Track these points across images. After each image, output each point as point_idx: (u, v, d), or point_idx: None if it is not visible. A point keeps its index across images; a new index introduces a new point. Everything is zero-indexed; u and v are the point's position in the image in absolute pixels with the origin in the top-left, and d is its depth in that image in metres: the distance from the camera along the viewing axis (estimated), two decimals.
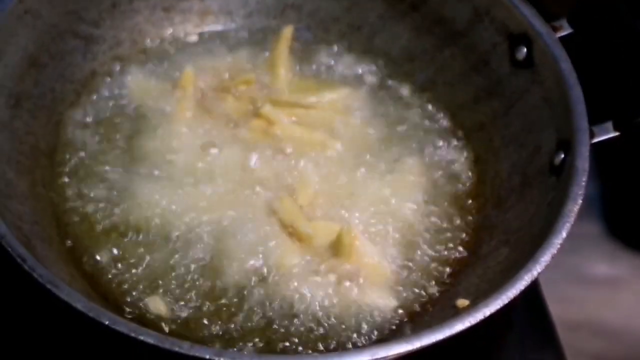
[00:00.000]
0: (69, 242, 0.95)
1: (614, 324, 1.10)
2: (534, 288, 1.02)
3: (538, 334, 1.01)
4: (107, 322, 0.77)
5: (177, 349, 0.76)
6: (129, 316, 0.89)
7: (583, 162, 0.92)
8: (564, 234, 0.87)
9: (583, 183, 0.90)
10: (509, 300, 0.83)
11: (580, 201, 0.90)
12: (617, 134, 0.95)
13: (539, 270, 0.85)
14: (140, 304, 0.91)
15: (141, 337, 0.77)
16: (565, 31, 1.02)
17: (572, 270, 1.11)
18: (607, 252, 1.15)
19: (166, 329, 0.89)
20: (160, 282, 0.92)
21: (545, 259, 0.86)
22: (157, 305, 0.90)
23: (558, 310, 1.02)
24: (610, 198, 1.19)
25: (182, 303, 0.91)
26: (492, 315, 0.83)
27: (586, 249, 1.14)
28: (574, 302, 1.09)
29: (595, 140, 0.94)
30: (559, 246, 0.87)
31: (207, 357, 0.76)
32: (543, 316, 1.02)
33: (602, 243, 1.16)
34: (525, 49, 1.02)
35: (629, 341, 1.10)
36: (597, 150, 0.93)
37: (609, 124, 0.96)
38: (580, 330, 1.06)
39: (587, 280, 1.12)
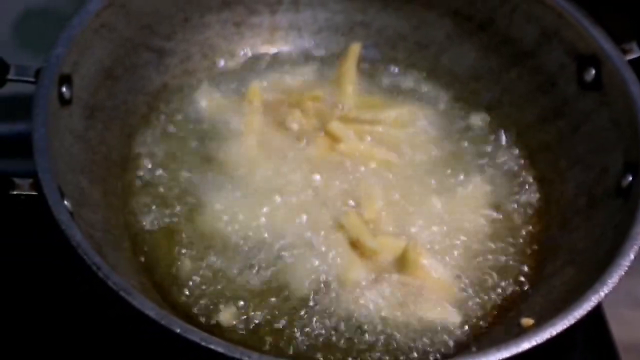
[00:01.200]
0: (141, 250, 0.96)
1: None
2: (596, 309, 1.02)
3: (601, 355, 1.01)
4: (178, 330, 0.78)
5: (246, 358, 0.77)
6: (198, 326, 0.90)
7: None
8: (631, 256, 0.87)
9: None
10: (576, 320, 0.84)
11: None
12: None
13: (606, 291, 0.85)
14: (210, 314, 0.92)
15: (212, 346, 0.78)
16: (635, 54, 1.02)
17: (631, 293, 1.10)
18: None
19: (234, 339, 0.90)
20: (229, 293, 0.93)
21: (612, 280, 0.86)
22: (226, 316, 0.91)
23: (618, 332, 1.02)
24: None
25: (252, 314, 0.92)
26: (557, 335, 0.83)
27: None
28: (634, 325, 1.08)
29: None
30: (626, 268, 0.87)
31: None
32: (606, 338, 1.02)
33: None
34: (593, 71, 1.03)
35: None
36: None
37: None
38: (637, 352, 1.05)
39: None
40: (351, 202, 1.01)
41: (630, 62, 1.01)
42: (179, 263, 0.95)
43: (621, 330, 1.02)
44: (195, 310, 0.92)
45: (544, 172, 1.06)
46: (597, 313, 1.02)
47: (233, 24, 1.13)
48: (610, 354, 1.01)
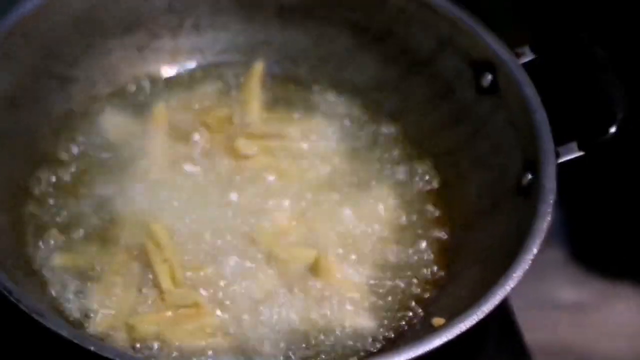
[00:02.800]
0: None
1: (582, 346, 1.11)
2: (506, 313, 1.05)
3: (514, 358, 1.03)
4: (92, 348, 0.79)
5: None
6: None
7: (550, 182, 0.95)
8: (534, 250, 0.90)
9: (551, 201, 0.94)
10: (484, 315, 0.86)
11: (549, 219, 0.93)
12: (581, 153, 0.98)
13: (512, 285, 0.88)
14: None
15: None
16: (528, 57, 1.05)
17: (540, 296, 1.13)
18: (573, 278, 1.16)
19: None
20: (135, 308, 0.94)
21: (517, 274, 0.88)
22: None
23: (529, 335, 1.04)
24: (575, 224, 1.21)
25: (168, 337, 0.93)
26: (467, 331, 0.85)
27: (553, 275, 1.16)
28: (544, 327, 1.10)
29: (561, 160, 0.97)
30: (530, 262, 0.90)
31: None
32: (517, 341, 1.05)
33: (568, 268, 1.17)
34: (489, 76, 1.05)
35: None
36: (560, 176, 0.96)
37: (574, 144, 0.99)
38: (548, 354, 1.08)
39: (555, 305, 1.14)
40: (261, 216, 1.02)
41: (524, 65, 1.04)
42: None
43: (530, 333, 1.05)
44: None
45: (447, 176, 1.08)
46: (507, 317, 1.05)
47: (136, 48, 1.13)
48: (523, 357, 1.03)
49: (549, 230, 0.92)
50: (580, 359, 1.10)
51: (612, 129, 0.97)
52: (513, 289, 0.89)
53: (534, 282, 1.04)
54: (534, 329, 1.05)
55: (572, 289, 1.14)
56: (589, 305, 1.13)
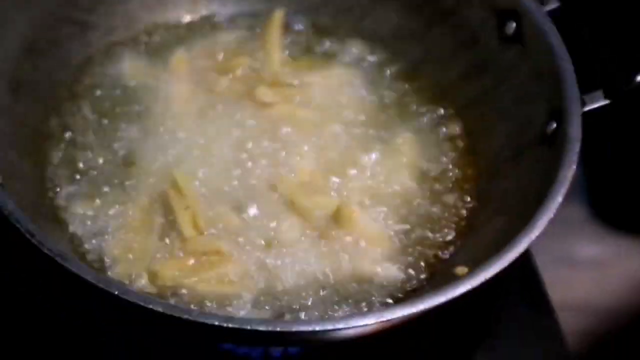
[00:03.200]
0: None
1: (601, 303, 1.11)
2: (532, 270, 1.05)
3: (538, 314, 1.03)
4: (116, 292, 0.78)
5: (186, 316, 0.78)
6: None
7: (576, 130, 0.93)
8: (559, 199, 0.89)
9: (576, 150, 0.92)
10: (509, 263, 0.85)
11: (574, 167, 0.91)
12: (607, 102, 0.97)
13: (537, 234, 0.87)
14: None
15: (151, 306, 0.78)
16: (553, 5, 1.04)
17: (561, 253, 1.13)
18: (594, 235, 1.16)
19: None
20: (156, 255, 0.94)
21: (542, 222, 0.87)
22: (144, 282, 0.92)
23: (554, 292, 1.04)
24: (595, 181, 1.20)
25: (193, 279, 0.93)
26: (492, 283, 0.84)
27: (573, 232, 1.16)
28: (564, 284, 1.10)
29: (587, 108, 0.96)
30: (555, 211, 0.88)
31: (217, 323, 0.77)
32: (542, 298, 1.04)
33: (589, 226, 1.17)
34: (514, 24, 1.04)
35: (616, 319, 1.11)
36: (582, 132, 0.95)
37: (600, 93, 0.97)
38: (570, 309, 1.08)
39: (576, 262, 1.13)
40: (283, 165, 1.01)
41: (549, 13, 1.02)
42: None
43: (551, 289, 1.04)
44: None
45: (470, 126, 1.07)
46: (532, 273, 1.05)
47: None
48: (547, 313, 1.03)
49: (571, 188, 0.91)
50: (600, 314, 1.10)
51: (638, 78, 0.95)
52: (537, 245, 0.88)
53: (555, 239, 1.05)
54: (555, 285, 1.05)
55: (592, 246, 1.14)
56: (609, 262, 1.13)
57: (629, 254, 1.15)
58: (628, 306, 1.11)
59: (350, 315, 0.88)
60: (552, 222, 0.88)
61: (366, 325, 0.80)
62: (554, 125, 0.96)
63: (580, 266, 1.13)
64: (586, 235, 1.15)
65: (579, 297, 1.10)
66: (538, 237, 0.87)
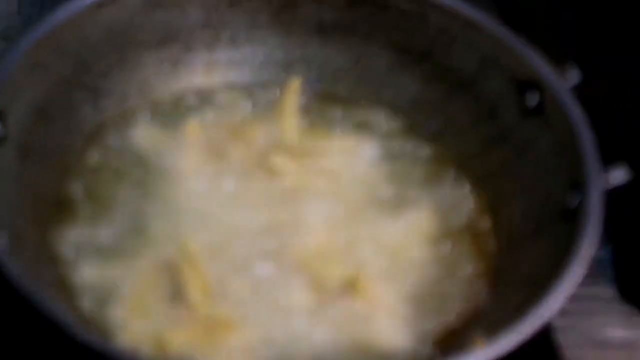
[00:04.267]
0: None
1: None
2: (556, 353, 1.03)
3: None
4: None
5: None
6: None
7: (597, 206, 0.92)
8: (577, 278, 0.87)
9: (597, 227, 0.91)
10: (524, 337, 0.84)
11: (594, 246, 0.89)
12: (630, 177, 0.95)
13: (555, 308, 0.86)
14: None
15: None
16: (575, 80, 1.03)
17: (587, 334, 1.10)
18: (620, 316, 1.14)
19: None
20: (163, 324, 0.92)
21: (561, 297, 0.86)
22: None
23: None
24: (622, 262, 1.18)
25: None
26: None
27: (599, 312, 1.13)
28: None
29: (609, 184, 0.94)
30: (573, 288, 0.87)
31: None
32: None
33: (615, 307, 1.15)
34: (534, 97, 1.03)
35: None
36: (608, 212, 0.93)
37: (622, 169, 0.96)
38: None
39: (603, 344, 1.11)
40: (296, 234, 1.00)
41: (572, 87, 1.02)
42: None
43: None
44: None
45: (489, 200, 1.06)
46: (556, 355, 1.03)
47: (170, 63, 1.12)
48: None
49: (598, 268, 0.89)
50: None
51: None
52: (562, 326, 0.88)
53: (583, 320, 1.03)
54: None
55: (620, 327, 1.12)
56: (637, 344, 1.11)
57: None
58: None
59: None
60: (576, 299, 0.88)
61: None
62: (575, 201, 0.94)
63: (608, 348, 1.10)
64: (613, 317, 1.13)
65: None
66: (563, 316, 0.87)
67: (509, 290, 0.96)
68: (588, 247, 0.89)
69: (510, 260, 0.99)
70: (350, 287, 0.95)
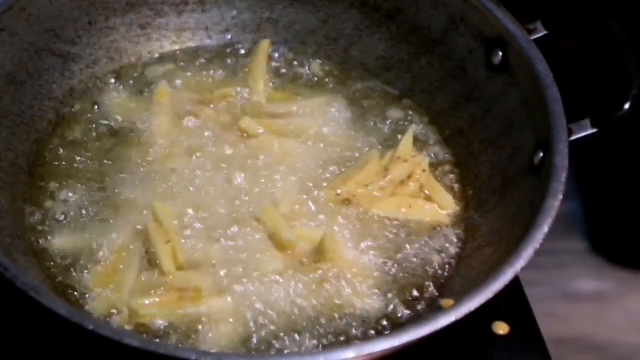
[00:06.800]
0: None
1: (600, 338, 1.10)
2: (524, 305, 1.03)
3: (530, 350, 1.01)
4: (91, 327, 0.77)
5: (161, 350, 0.76)
6: None
7: (562, 159, 0.92)
8: (545, 229, 0.87)
9: (563, 179, 0.91)
10: (493, 294, 0.83)
11: (561, 196, 0.90)
12: (595, 130, 0.96)
13: (522, 264, 0.85)
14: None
15: (126, 341, 0.76)
16: (540, 33, 1.03)
17: (558, 287, 1.11)
18: (592, 269, 1.15)
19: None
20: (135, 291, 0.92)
21: (527, 253, 0.86)
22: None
23: (546, 325, 1.02)
24: (593, 215, 1.19)
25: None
26: (475, 311, 0.82)
27: (572, 266, 1.14)
28: (561, 318, 1.09)
29: (574, 137, 0.95)
30: (541, 241, 0.87)
31: (194, 358, 0.76)
32: (534, 333, 1.02)
33: (587, 260, 1.16)
34: (501, 53, 1.03)
35: (615, 355, 1.10)
36: (578, 168, 0.94)
37: (587, 122, 0.96)
38: (568, 344, 1.06)
39: (574, 296, 1.12)
40: (266, 197, 1.00)
41: (536, 41, 1.01)
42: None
43: (547, 323, 1.02)
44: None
45: (458, 156, 1.06)
46: (525, 308, 1.03)
47: (139, 26, 1.12)
48: (539, 349, 1.01)
49: (569, 222, 0.89)
50: (599, 349, 1.08)
51: (627, 105, 0.94)
52: (534, 279, 0.87)
53: (551, 273, 1.03)
54: (552, 320, 1.04)
55: (591, 280, 1.13)
56: (609, 297, 1.12)
57: (628, 288, 1.13)
58: (626, 341, 1.09)
59: (330, 349, 0.86)
60: (549, 253, 0.87)
61: (346, 359, 0.78)
62: (542, 154, 0.95)
63: (579, 300, 1.11)
64: (585, 270, 1.14)
65: (577, 331, 1.09)
66: (536, 270, 0.86)
67: (479, 246, 0.97)
68: (555, 199, 0.89)
69: (478, 217, 1.00)
70: (321, 250, 0.95)
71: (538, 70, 0.98)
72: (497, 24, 1.03)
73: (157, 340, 0.83)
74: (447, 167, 1.06)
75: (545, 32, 1.03)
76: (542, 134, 0.96)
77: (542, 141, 0.95)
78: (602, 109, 0.96)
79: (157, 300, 0.91)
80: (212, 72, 1.12)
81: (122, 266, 0.93)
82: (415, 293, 0.95)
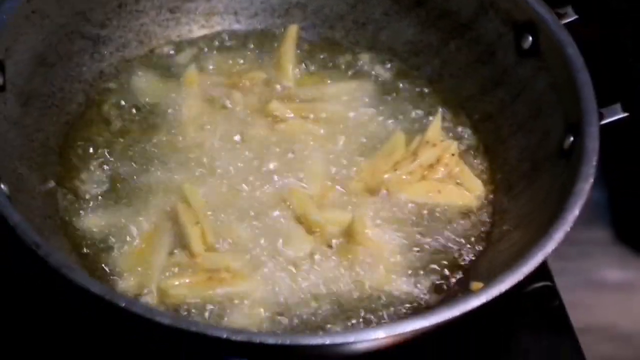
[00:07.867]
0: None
1: (625, 328, 1.10)
2: (554, 293, 1.03)
3: (559, 338, 1.01)
4: (123, 304, 0.77)
5: (193, 328, 0.76)
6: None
7: (594, 143, 0.92)
8: (576, 212, 0.87)
9: (594, 163, 0.91)
10: (524, 276, 0.83)
11: (591, 180, 0.90)
12: (626, 114, 0.95)
13: (553, 246, 0.85)
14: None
15: (157, 318, 0.77)
16: (570, 17, 1.02)
17: (583, 276, 1.11)
18: (617, 258, 1.15)
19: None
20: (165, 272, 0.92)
21: (558, 235, 0.86)
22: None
23: (571, 315, 1.02)
24: (617, 204, 1.19)
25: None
26: (506, 293, 0.82)
27: (596, 255, 1.14)
28: (587, 308, 1.09)
29: (605, 121, 0.95)
30: (572, 224, 0.87)
31: (225, 336, 0.76)
32: (563, 321, 1.02)
33: (612, 249, 1.16)
34: (530, 38, 1.03)
35: (639, 344, 1.10)
36: (602, 156, 0.93)
37: (618, 106, 0.96)
38: (593, 334, 1.06)
39: (599, 285, 1.12)
40: (295, 179, 1.00)
41: (566, 25, 1.01)
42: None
43: (573, 312, 1.02)
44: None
45: (487, 141, 1.06)
46: (554, 296, 1.03)
47: (168, 10, 1.12)
48: (568, 336, 1.01)
49: (595, 210, 0.89)
50: (624, 338, 1.08)
51: None
52: (560, 268, 0.86)
53: (581, 263, 1.03)
54: (578, 309, 1.03)
55: (616, 269, 1.13)
56: (634, 286, 1.12)
57: None
58: None
59: (361, 329, 0.86)
60: (574, 243, 0.87)
61: (377, 339, 0.78)
62: (572, 138, 0.95)
63: (605, 290, 1.11)
64: (610, 259, 1.14)
65: (602, 321, 1.08)
66: (561, 259, 0.86)
67: (509, 230, 0.97)
68: (586, 182, 0.89)
69: (508, 201, 1.00)
70: (349, 233, 0.95)
71: (568, 54, 0.98)
72: (527, 9, 1.03)
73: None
74: (476, 152, 1.06)
75: (576, 17, 1.02)
76: (573, 118, 0.95)
77: (573, 125, 0.95)
78: (633, 94, 0.96)
79: (187, 280, 0.91)
80: (240, 56, 1.12)
81: (151, 247, 0.94)
82: (444, 276, 0.95)
